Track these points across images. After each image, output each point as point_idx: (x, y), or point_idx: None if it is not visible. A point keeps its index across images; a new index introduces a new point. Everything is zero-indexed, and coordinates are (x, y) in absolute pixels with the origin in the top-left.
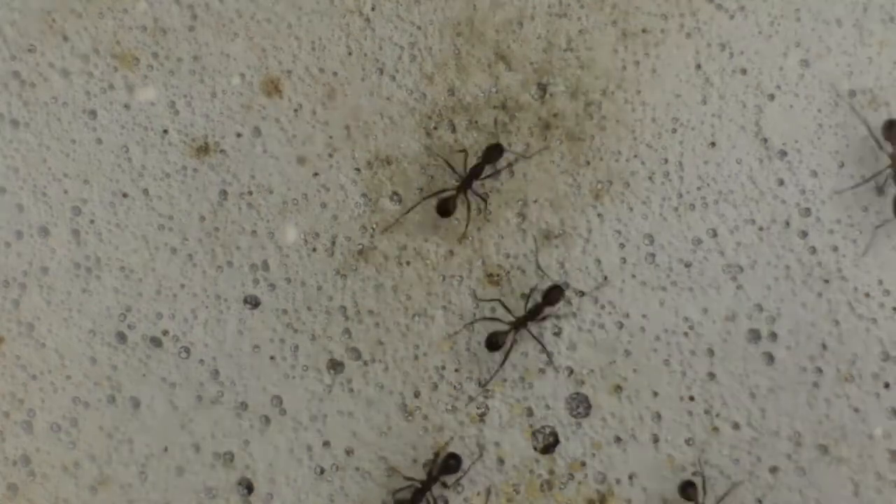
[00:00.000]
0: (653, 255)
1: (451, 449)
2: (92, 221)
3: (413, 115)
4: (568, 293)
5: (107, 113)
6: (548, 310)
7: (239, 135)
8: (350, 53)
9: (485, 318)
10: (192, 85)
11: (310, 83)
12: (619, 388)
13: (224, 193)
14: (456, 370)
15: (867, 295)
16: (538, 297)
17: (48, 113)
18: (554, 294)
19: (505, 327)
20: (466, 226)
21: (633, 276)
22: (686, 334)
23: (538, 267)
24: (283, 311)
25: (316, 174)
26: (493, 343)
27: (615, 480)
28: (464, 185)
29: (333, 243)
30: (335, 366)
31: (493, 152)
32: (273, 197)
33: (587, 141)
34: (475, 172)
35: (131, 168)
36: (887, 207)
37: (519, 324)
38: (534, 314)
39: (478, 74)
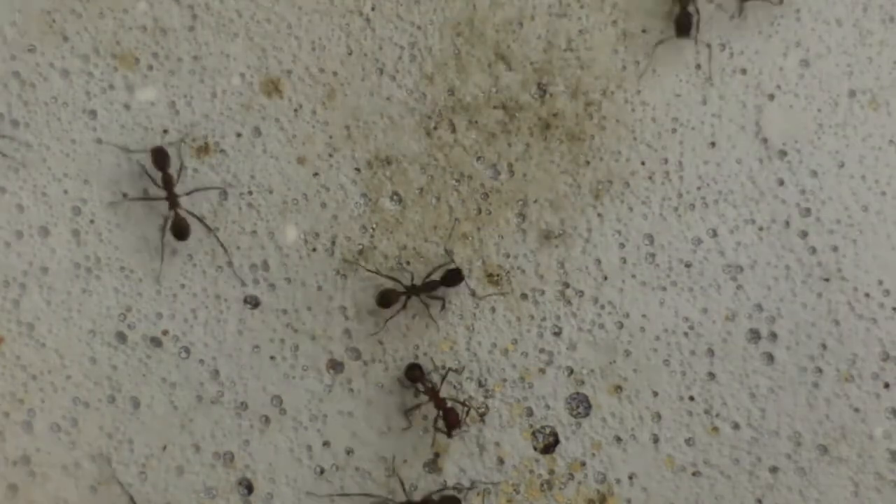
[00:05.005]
0: (653, 255)
1: (451, 453)
2: (92, 221)
3: (413, 115)
4: (568, 293)
5: (107, 113)
6: (442, 290)
7: (239, 135)
8: (350, 53)
9: (386, 276)
10: (192, 85)
11: (310, 83)
12: (619, 388)
13: (224, 193)
14: (456, 370)
15: (867, 295)
16: (437, 276)
17: (48, 113)
18: (452, 277)
19: (400, 288)
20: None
21: (633, 276)
22: (686, 334)
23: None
24: (283, 311)
25: (316, 174)
26: (385, 300)
27: (615, 480)
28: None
29: (333, 243)
30: (335, 366)
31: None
32: (273, 197)
33: (587, 141)
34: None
35: (131, 168)
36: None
37: (412, 291)
38: (428, 287)
39: (478, 74)
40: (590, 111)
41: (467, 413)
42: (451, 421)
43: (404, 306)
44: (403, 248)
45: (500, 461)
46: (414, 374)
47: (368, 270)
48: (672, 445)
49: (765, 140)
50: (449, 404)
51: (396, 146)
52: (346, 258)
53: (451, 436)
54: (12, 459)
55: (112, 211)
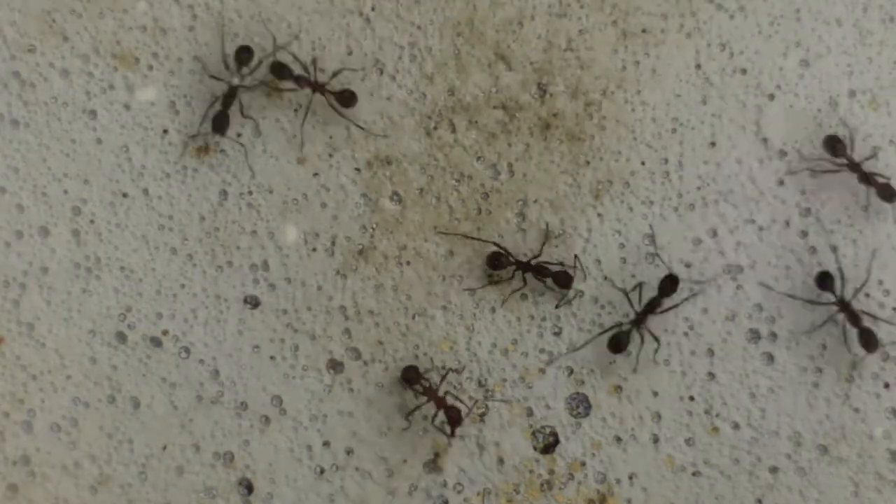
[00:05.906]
0: (653, 256)
1: (451, 453)
2: (92, 221)
3: (413, 115)
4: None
5: (107, 113)
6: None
7: (239, 135)
8: (350, 53)
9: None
10: (192, 85)
11: None
12: (619, 388)
13: (224, 193)
14: (456, 370)
15: (867, 295)
16: (554, 268)
17: (48, 113)
18: (561, 278)
19: (511, 259)
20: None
21: (633, 276)
22: (686, 334)
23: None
24: (283, 311)
25: (316, 174)
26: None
27: (615, 480)
28: (521, 266)
29: (333, 243)
30: (335, 366)
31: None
32: (273, 197)
33: (587, 141)
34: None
35: (131, 168)
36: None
37: (521, 266)
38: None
39: (478, 74)
40: (590, 111)
41: (469, 411)
42: (452, 418)
43: (512, 277)
44: (403, 248)
45: (500, 461)
46: (410, 375)
47: (479, 239)
48: (672, 445)
49: (765, 140)
50: (449, 402)
51: (396, 146)
52: (441, 231)
53: (454, 435)
54: (12, 459)
55: (112, 211)
